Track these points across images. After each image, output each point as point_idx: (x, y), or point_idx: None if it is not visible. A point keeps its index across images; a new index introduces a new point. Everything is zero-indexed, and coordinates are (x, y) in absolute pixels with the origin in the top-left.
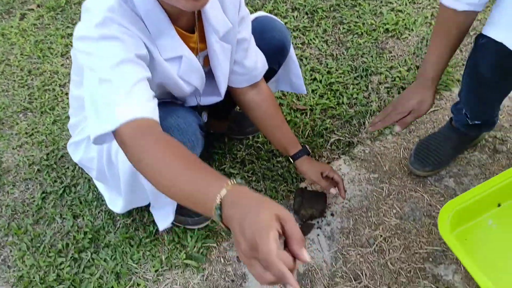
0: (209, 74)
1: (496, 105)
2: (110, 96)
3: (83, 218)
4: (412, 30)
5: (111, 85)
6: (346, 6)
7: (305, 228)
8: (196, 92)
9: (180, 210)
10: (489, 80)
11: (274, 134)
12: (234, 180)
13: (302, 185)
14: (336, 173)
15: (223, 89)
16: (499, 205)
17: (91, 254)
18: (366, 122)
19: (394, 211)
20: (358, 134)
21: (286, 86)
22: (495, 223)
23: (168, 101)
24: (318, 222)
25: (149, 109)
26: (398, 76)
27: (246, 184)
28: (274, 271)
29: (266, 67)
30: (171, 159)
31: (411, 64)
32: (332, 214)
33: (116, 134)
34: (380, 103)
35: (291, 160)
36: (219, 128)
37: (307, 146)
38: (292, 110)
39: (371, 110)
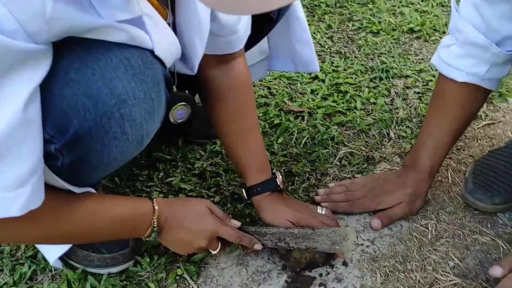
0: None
1: None
2: None
3: None
4: (444, 32)
5: None
6: (356, 3)
7: (300, 284)
8: None
9: None
10: None
11: (235, 146)
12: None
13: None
14: (322, 222)
15: (197, 58)
16: None
17: None
18: (391, 133)
19: (452, 263)
20: (380, 148)
21: (286, 62)
22: None
23: None
24: (321, 275)
25: None
26: (431, 80)
27: None
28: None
29: (249, 32)
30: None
31: None
32: (345, 264)
33: None
34: (410, 110)
35: (245, 195)
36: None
37: (280, 177)
38: (282, 112)
39: (397, 118)
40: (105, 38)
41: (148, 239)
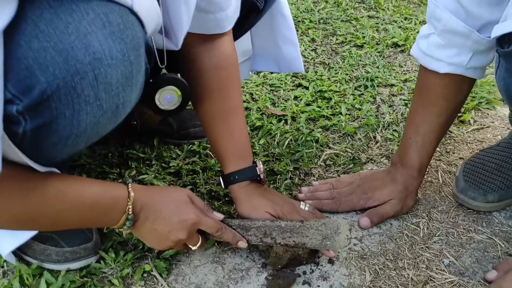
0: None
1: None
2: None
3: None
4: None
5: None
6: (340, 20)
7: (282, 281)
8: None
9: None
10: None
11: (215, 129)
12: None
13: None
14: (304, 218)
15: (182, 32)
16: None
17: None
18: (378, 137)
19: (446, 261)
20: (366, 150)
21: (269, 62)
22: None
23: None
24: (305, 273)
25: None
26: None
27: None
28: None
29: (238, 14)
30: None
31: None
32: (330, 261)
33: None
34: (396, 115)
35: (222, 183)
36: (150, 121)
37: (261, 166)
38: (264, 116)
39: (383, 122)
40: None
41: (120, 229)
